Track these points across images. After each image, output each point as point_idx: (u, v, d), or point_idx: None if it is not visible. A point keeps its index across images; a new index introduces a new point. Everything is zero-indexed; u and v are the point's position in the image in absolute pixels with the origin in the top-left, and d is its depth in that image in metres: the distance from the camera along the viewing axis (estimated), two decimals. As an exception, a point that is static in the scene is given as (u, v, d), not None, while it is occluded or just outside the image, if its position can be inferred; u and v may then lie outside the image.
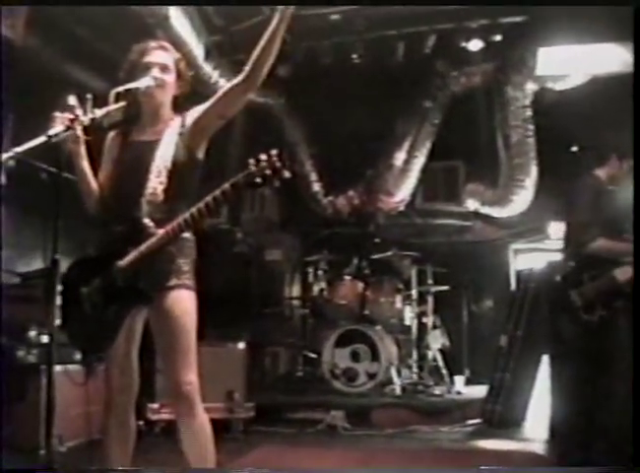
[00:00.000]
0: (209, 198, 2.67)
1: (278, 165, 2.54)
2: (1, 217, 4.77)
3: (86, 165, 3.05)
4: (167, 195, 2.95)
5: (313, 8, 6.75)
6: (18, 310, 4.85)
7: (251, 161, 2.55)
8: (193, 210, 2.72)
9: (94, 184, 3.09)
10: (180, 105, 3.22)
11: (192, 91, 3.28)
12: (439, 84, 8.09)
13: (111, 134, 3.21)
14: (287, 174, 2.56)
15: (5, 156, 2.51)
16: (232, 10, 6.78)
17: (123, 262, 2.82)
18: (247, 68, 2.89)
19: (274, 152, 2.55)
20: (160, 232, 2.79)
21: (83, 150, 3.00)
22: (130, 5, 5.39)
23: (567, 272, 4.22)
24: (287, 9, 2.77)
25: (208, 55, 6.96)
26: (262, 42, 2.84)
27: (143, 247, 2.80)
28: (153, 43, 3.16)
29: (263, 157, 2.55)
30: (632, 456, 3.47)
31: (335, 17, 7.10)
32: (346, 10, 6.94)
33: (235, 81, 2.95)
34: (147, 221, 2.86)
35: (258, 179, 2.54)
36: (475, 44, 7.35)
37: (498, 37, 7.19)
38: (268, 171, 2.53)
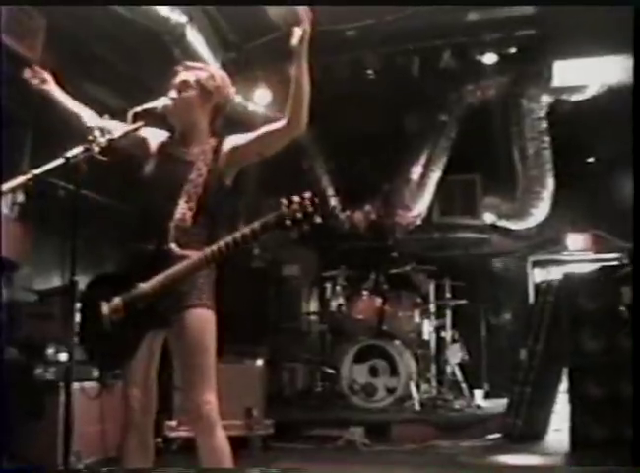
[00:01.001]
0: (237, 235, 2.64)
1: (310, 209, 2.50)
2: (19, 234, 4.81)
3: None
4: (195, 221, 2.93)
5: (328, 24, 6.79)
6: (36, 328, 4.89)
7: (283, 201, 2.51)
8: (221, 244, 2.69)
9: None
10: (217, 126, 3.22)
11: (225, 105, 3.26)
12: (455, 97, 8.10)
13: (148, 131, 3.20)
14: (318, 219, 2.51)
15: (23, 178, 2.53)
16: (247, 27, 6.82)
17: (146, 285, 2.80)
18: (288, 112, 2.90)
19: (307, 195, 2.52)
20: (186, 261, 2.77)
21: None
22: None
23: None
24: (303, 47, 2.78)
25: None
26: (292, 85, 2.87)
27: (167, 274, 2.78)
28: (181, 66, 3.19)
29: (296, 199, 2.51)
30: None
31: (350, 33, 7.14)
32: (361, 26, 6.97)
33: (279, 125, 2.95)
34: (173, 246, 2.86)
35: (288, 222, 2.50)
36: (490, 58, 7.35)
37: (513, 50, 7.18)
38: (299, 215, 2.49)
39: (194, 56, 6.14)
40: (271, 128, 2.99)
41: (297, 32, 2.79)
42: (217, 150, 3.07)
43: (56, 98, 3.25)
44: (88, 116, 3.20)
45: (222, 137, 3.14)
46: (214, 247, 2.71)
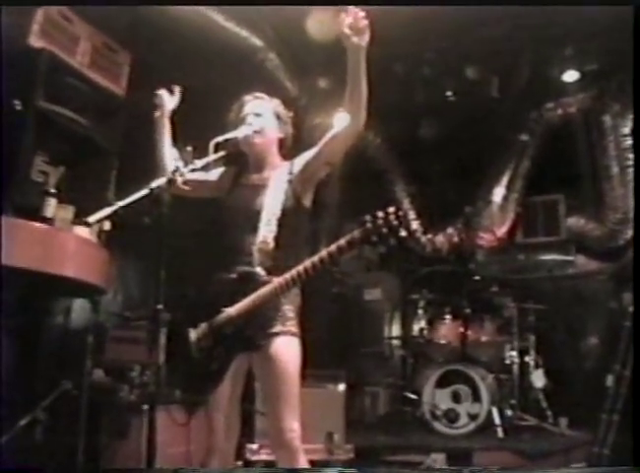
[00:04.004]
0: (324, 253, 2.68)
1: (394, 223, 2.50)
2: (106, 261, 5.01)
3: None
4: (278, 243, 3.01)
5: (407, 47, 6.90)
6: (121, 351, 5.10)
7: (367, 217, 2.53)
8: (307, 264, 2.74)
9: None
10: (287, 149, 3.34)
11: (296, 132, 3.40)
12: (535, 116, 8.06)
13: (219, 171, 3.35)
14: (403, 233, 2.52)
15: (109, 210, 2.63)
16: (325, 51, 6.97)
17: (233, 310, 2.90)
18: (347, 112, 2.96)
19: (391, 209, 2.53)
20: (272, 284, 2.83)
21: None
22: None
23: None
24: (354, 39, 2.75)
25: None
26: (349, 83, 2.90)
27: (254, 297, 2.86)
28: (247, 96, 3.31)
29: (380, 214, 2.52)
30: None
31: (428, 54, 7.23)
32: (439, 48, 7.05)
33: (339, 128, 3.03)
34: (259, 270, 2.95)
35: (374, 237, 2.51)
36: (570, 75, 7.33)
37: (594, 66, 7.14)
38: (384, 230, 2.50)
39: (272, 82, 6.36)
40: (333, 133, 3.07)
41: (353, 26, 2.75)
42: (290, 171, 3.18)
43: (163, 132, 3.39)
44: (170, 158, 3.32)
45: (291, 158, 3.26)
46: (299, 268, 2.76)
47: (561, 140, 7.94)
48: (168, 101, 3.41)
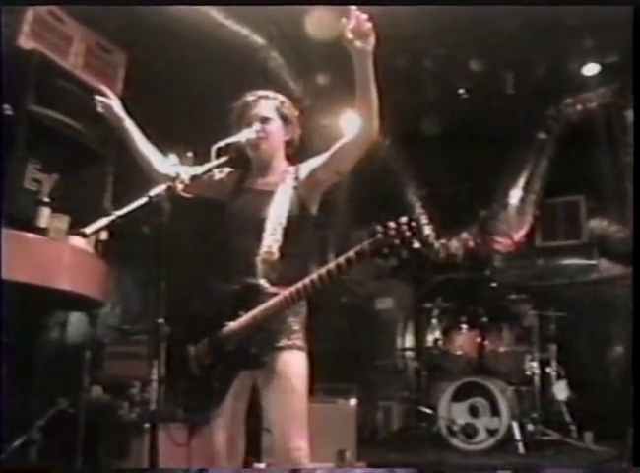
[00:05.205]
0: (331, 266, 2.62)
1: (407, 234, 2.43)
2: (103, 272, 5.04)
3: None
4: (282, 254, 2.97)
5: (416, 43, 6.91)
6: (120, 367, 5.12)
7: (378, 227, 2.47)
8: (314, 276, 2.69)
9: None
10: (294, 151, 3.33)
11: (303, 134, 3.37)
12: (553, 113, 8.07)
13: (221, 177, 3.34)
14: (416, 245, 2.44)
15: (106, 220, 2.60)
16: (330, 49, 7.00)
17: (235, 324, 2.88)
18: (358, 120, 2.94)
19: (403, 219, 2.45)
20: (277, 297, 2.80)
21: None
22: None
23: None
24: (358, 44, 2.67)
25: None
26: (358, 90, 2.85)
27: (258, 311, 2.83)
28: (252, 96, 3.27)
29: (391, 224, 2.45)
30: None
31: (438, 50, 7.23)
32: (448, 43, 7.05)
33: (350, 136, 3.00)
34: (262, 282, 2.93)
35: (385, 250, 2.45)
36: (590, 68, 7.33)
37: (615, 58, 7.13)
38: (396, 241, 2.43)
39: (276, 82, 6.38)
40: (343, 142, 3.04)
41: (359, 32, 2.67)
42: (296, 177, 3.16)
43: (131, 138, 3.37)
44: (159, 162, 3.33)
45: (297, 162, 3.25)
46: (306, 280, 2.72)
47: (581, 137, 7.93)
48: (110, 102, 3.38)
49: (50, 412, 4.59)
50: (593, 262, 8.19)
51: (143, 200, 2.69)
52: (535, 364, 7.25)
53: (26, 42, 4.66)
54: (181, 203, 2.89)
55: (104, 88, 3.57)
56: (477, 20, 6.39)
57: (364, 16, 2.65)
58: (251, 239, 3.03)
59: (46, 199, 4.52)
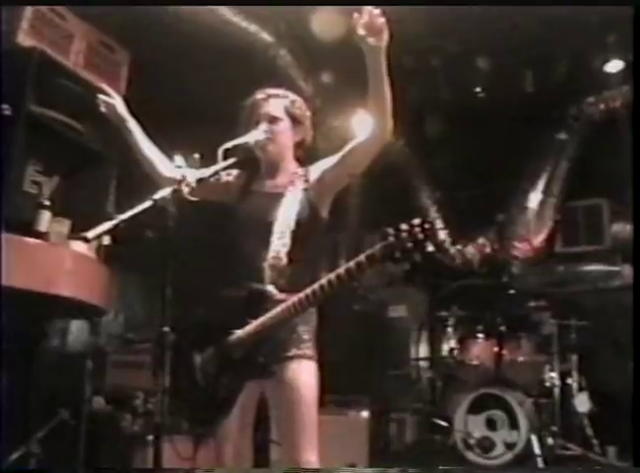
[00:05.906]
0: (341, 270, 2.60)
1: (420, 236, 2.39)
2: (106, 278, 5.05)
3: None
4: (291, 259, 2.97)
5: (428, 40, 6.91)
6: (123, 377, 5.12)
7: (390, 230, 2.44)
8: (323, 282, 2.67)
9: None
10: (305, 152, 3.34)
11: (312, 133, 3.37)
12: (575, 112, 8.03)
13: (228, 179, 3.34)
14: (430, 248, 2.41)
15: (110, 224, 2.60)
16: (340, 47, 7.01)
17: (242, 332, 2.87)
18: (371, 120, 2.94)
19: (416, 221, 2.42)
20: (286, 303, 2.78)
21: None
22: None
23: None
24: (371, 40, 2.68)
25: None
26: (370, 89, 2.85)
27: (265, 318, 2.82)
28: (262, 94, 3.27)
29: (403, 226, 2.42)
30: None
31: (453, 48, 7.22)
32: (464, 40, 7.04)
33: (363, 138, 3.00)
34: (270, 288, 2.93)
35: (397, 253, 2.42)
36: (614, 65, 7.29)
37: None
38: (409, 244, 2.40)
39: (285, 81, 6.39)
40: (356, 143, 3.04)
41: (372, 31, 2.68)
42: (306, 179, 3.16)
43: (134, 139, 3.39)
44: (163, 164, 3.35)
45: (308, 164, 3.25)
46: (315, 286, 2.69)
47: (604, 138, 7.87)
48: (113, 101, 3.41)
49: (50, 423, 4.59)
50: (616, 268, 8.13)
51: (147, 204, 2.69)
52: (555, 374, 7.21)
53: (25, 40, 4.67)
54: (187, 207, 2.89)
55: (107, 87, 3.58)
56: (492, 17, 6.38)
57: (377, 11, 2.66)
58: (259, 244, 3.03)
59: (47, 202, 4.52)
